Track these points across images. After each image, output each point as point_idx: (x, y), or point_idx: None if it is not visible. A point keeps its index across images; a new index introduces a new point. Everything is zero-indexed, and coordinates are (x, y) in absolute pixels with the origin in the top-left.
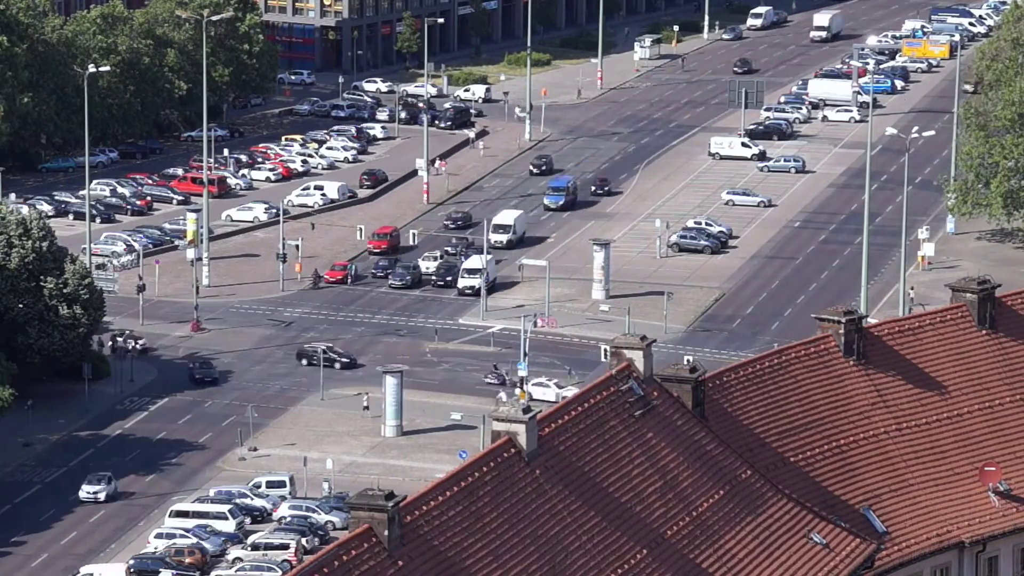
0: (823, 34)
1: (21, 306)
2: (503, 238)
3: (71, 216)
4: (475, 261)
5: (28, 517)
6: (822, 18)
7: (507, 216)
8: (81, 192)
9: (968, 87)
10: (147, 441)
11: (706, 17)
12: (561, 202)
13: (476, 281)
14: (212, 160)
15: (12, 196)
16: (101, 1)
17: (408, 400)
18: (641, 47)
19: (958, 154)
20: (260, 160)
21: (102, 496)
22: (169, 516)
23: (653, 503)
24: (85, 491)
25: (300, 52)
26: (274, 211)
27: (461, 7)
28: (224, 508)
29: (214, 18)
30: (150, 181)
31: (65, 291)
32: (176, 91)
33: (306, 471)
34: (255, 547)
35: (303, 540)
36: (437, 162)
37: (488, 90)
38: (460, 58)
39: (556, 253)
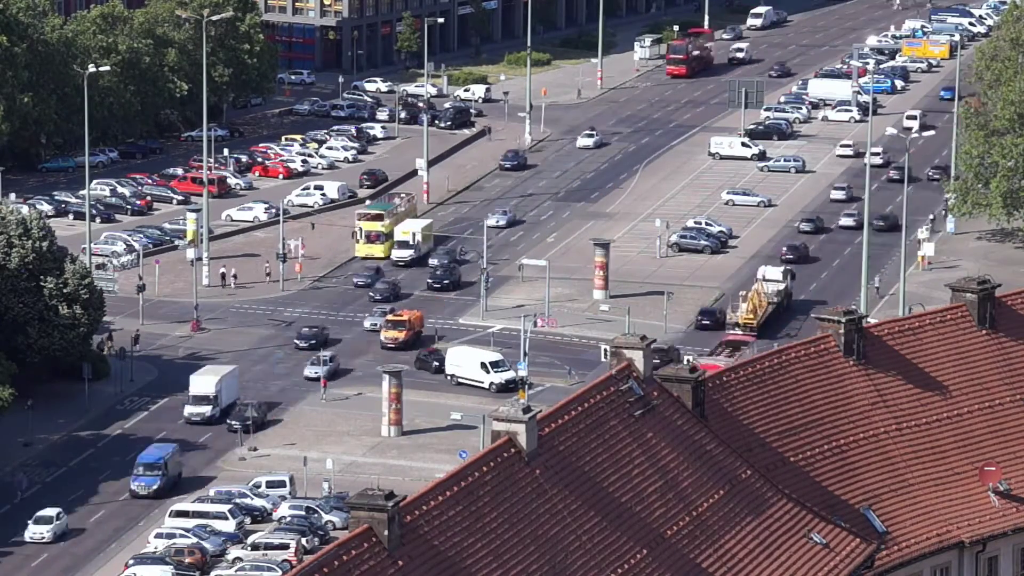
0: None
1: (22, 303)
2: (203, 409)
3: (71, 216)
4: None
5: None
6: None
7: (205, 382)
8: (81, 192)
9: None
10: (147, 441)
11: (706, 17)
12: (156, 485)
13: None
14: (212, 160)
15: (12, 196)
16: (101, 1)
17: (408, 400)
18: (641, 47)
19: (958, 154)
20: (262, 160)
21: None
22: (169, 516)
23: (653, 503)
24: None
25: (300, 52)
26: (274, 211)
27: (461, 7)
28: (224, 508)
29: (214, 18)
30: (150, 181)
31: (65, 291)
32: (176, 91)
33: (306, 471)
34: (255, 547)
35: (303, 540)
36: (296, 245)
37: (488, 90)
38: (460, 58)
39: (556, 253)
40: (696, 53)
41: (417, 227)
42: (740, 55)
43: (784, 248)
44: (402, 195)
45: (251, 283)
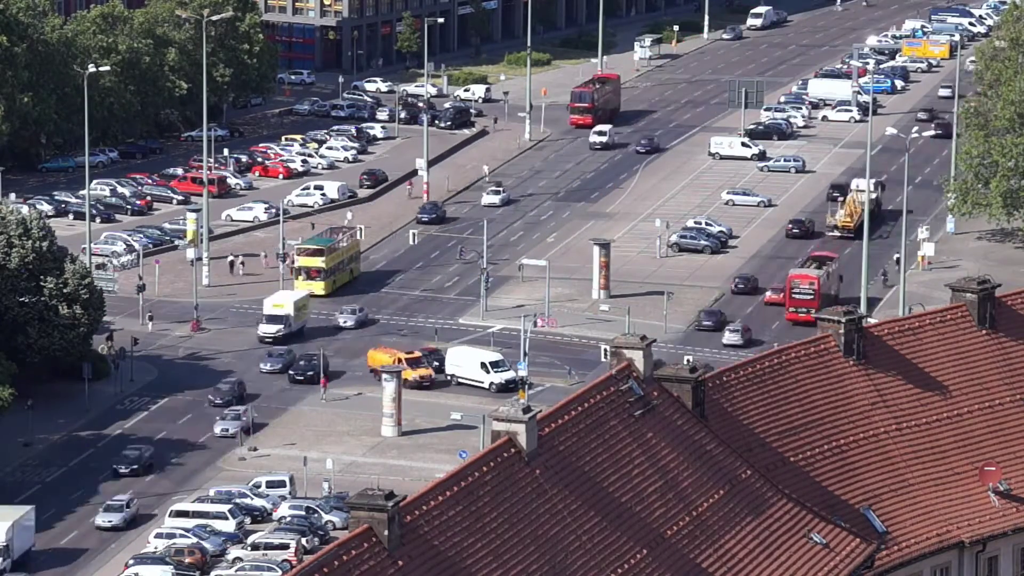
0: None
1: (24, 300)
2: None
3: (71, 216)
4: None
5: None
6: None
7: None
8: (81, 192)
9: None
10: (147, 441)
11: (706, 17)
12: None
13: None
14: (212, 160)
15: (12, 196)
16: (101, 1)
17: (408, 400)
18: (641, 47)
19: (958, 154)
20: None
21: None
22: (169, 516)
23: (653, 503)
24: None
25: (300, 52)
26: (274, 211)
27: (461, 7)
28: (224, 508)
29: (214, 18)
30: (150, 181)
31: (65, 291)
32: (176, 91)
33: (306, 471)
34: (255, 547)
35: (303, 540)
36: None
37: (488, 90)
38: (460, 58)
39: (556, 253)
40: (603, 101)
41: (290, 300)
42: (603, 139)
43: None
44: (345, 229)
45: (258, 273)
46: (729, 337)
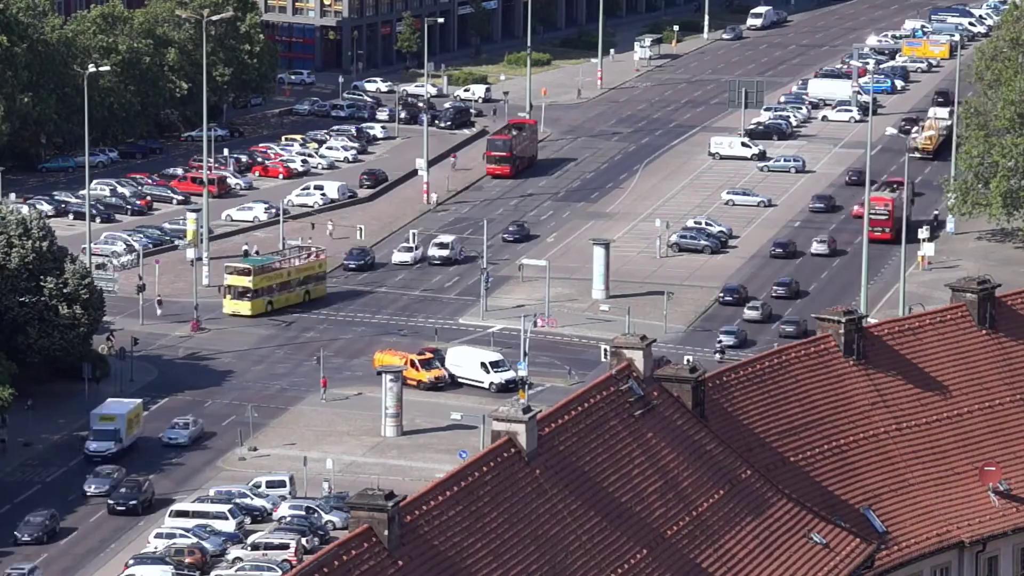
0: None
1: (24, 300)
2: None
3: (71, 216)
4: None
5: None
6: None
7: None
8: (81, 192)
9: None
10: (147, 441)
11: (706, 17)
12: None
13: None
14: (212, 160)
15: (12, 196)
16: (101, 1)
17: (408, 400)
18: (641, 47)
19: (958, 154)
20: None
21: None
22: (169, 516)
23: (653, 503)
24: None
25: (300, 52)
26: (274, 211)
27: (461, 7)
28: (224, 508)
29: (214, 18)
30: (150, 181)
31: (65, 291)
32: (176, 91)
33: (306, 471)
34: (255, 547)
35: (303, 540)
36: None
37: (488, 90)
38: (460, 58)
39: (556, 253)
40: (520, 148)
41: (122, 412)
42: (444, 252)
43: None
44: (311, 248)
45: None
46: (816, 247)
